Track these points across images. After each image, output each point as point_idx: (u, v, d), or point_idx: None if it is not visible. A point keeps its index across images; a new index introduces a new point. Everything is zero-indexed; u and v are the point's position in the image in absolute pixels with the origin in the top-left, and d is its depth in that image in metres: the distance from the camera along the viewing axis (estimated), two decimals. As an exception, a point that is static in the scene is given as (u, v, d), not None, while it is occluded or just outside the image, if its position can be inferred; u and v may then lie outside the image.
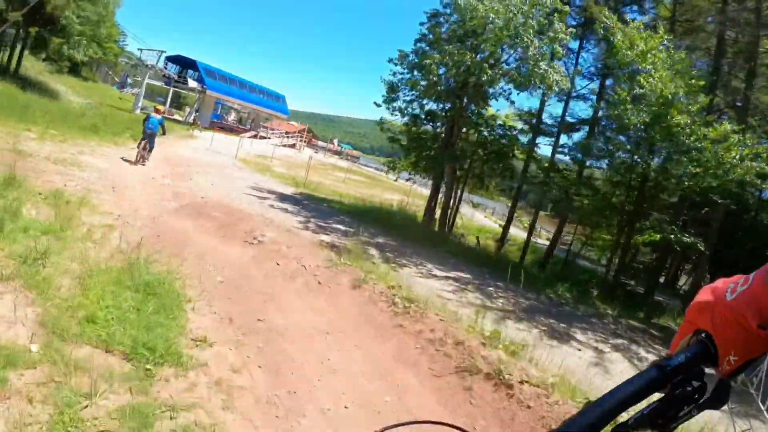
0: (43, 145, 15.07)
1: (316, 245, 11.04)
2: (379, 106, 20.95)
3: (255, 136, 55.92)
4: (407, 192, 34.80)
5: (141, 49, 53.15)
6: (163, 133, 19.11)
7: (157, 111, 18.98)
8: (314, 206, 18.44)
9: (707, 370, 0.80)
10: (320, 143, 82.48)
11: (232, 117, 70.90)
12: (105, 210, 9.99)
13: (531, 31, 16.30)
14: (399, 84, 20.39)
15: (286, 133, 66.40)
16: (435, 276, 12.39)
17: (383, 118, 21.03)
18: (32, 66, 44.17)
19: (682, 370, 0.78)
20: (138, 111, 45.64)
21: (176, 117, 53.62)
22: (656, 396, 0.79)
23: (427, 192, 29.29)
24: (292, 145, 61.53)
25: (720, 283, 0.84)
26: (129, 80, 66.34)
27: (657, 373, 0.77)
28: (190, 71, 56.29)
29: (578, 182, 20.05)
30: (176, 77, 55.22)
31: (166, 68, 54.55)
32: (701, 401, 0.78)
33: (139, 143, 17.38)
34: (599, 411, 0.72)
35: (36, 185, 9.91)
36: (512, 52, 17.74)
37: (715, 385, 0.78)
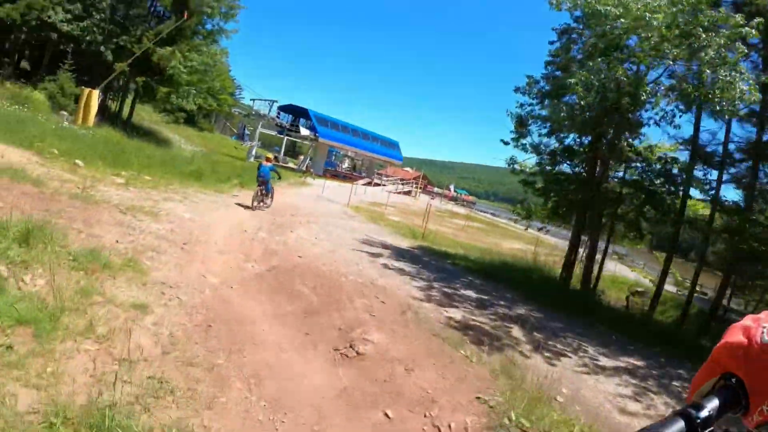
0: (124, 191, 13.14)
1: (446, 340, 7.47)
2: (506, 144, 17.77)
3: (369, 183, 54.61)
4: (529, 240, 32.25)
5: (254, 100, 53.58)
6: (279, 178, 19.20)
7: (267, 160, 18.85)
8: (436, 263, 15.22)
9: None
10: (435, 189, 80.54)
11: (345, 164, 70.30)
12: (154, 278, 7.28)
13: (701, 28, 12.36)
14: (529, 116, 17.18)
15: (401, 179, 64.73)
16: (603, 368, 8.66)
17: (514, 158, 17.47)
18: (148, 116, 45.60)
19: (713, 422, 0.66)
20: (251, 159, 45.38)
21: (290, 165, 53.15)
22: None
23: (554, 240, 25.51)
24: (408, 192, 59.59)
25: (751, 321, 0.74)
26: (246, 131, 67.43)
27: (684, 424, 0.65)
28: (303, 120, 55.99)
29: (759, 224, 15.47)
30: (288, 126, 55.20)
31: (278, 117, 54.69)
32: None
33: (256, 190, 17.58)
34: None
35: (72, 241, 7.48)
36: (671, 62, 13.76)
37: None
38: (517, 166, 17.51)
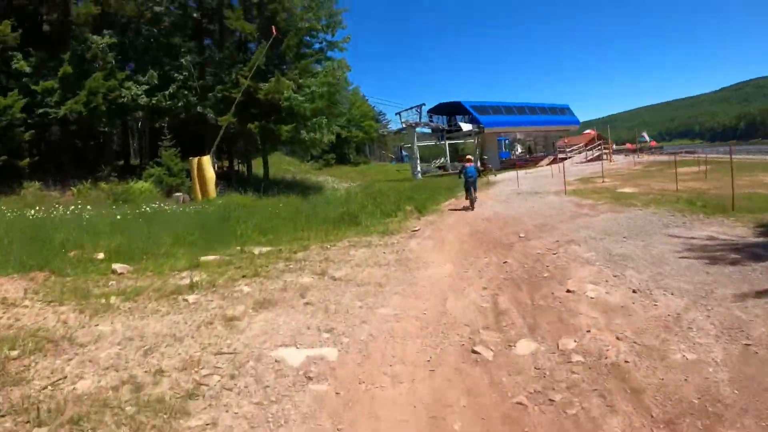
0: (162, 317, 5.99)
1: None
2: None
3: (554, 161, 45.84)
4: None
5: (399, 113, 47.43)
6: (479, 176, 19.44)
7: (468, 161, 19.09)
8: None
9: None
10: (614, 146, 70.07)
11: (519, 149, 62.03)
12: None
13: None
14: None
15: (585, 145, 55.04)
16: None
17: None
18: (295, 167, 43.05)
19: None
20: (419, 177, 39.76)
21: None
22: None
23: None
24: (598, 157, 49.80)
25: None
26: (404, 151, 61.84)
27: None
28: (458, 117, 48.94)
29: None
30: (447, 127, 48.87)
31: (431, 121, 48.67)
32: None
33: (467, 195, 17.85)
34: None
35: None
36: None
37: None
38: None
